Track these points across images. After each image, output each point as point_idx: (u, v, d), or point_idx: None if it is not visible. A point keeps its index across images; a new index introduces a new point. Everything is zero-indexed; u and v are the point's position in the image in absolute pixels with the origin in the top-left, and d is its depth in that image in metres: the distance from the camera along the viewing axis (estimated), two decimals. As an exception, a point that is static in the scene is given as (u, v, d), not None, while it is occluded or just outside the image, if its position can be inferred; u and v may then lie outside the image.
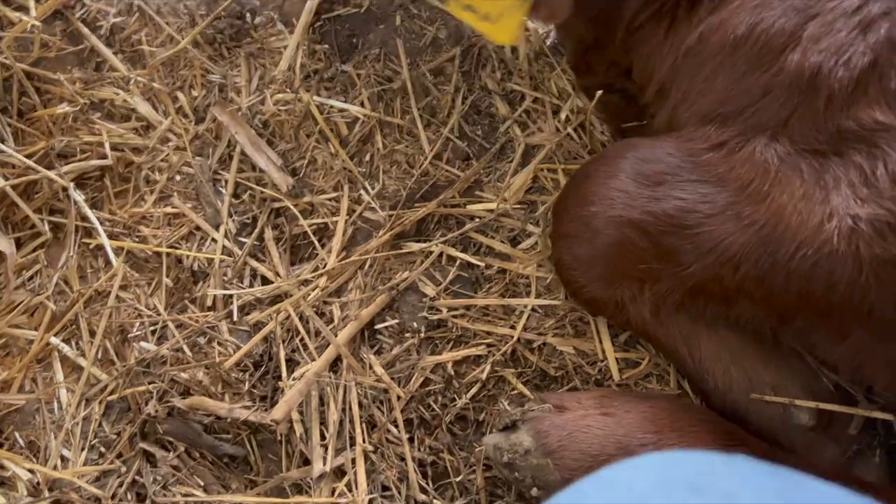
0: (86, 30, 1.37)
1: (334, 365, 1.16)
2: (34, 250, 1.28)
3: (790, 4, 0.90)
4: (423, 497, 1.10)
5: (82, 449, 1.17)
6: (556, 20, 0.99)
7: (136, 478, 1.15)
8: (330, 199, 1.26)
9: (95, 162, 1.29)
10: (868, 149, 0.85)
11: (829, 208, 0.85)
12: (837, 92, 0.87)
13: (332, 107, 1.31)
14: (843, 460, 1.05)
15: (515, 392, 1.15)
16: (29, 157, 1.28)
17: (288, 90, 1.31)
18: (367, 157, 1.29)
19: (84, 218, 1.28)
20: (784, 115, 0.90)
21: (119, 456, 1.16)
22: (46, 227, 1.27)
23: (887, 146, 0.85)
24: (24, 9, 1.38)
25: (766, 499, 0.56)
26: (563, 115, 1.30)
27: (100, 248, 1.26)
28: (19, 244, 1.28)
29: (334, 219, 1.24)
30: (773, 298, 0.93)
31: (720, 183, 0.93)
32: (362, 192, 1.25)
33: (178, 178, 1.30)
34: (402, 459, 1.11)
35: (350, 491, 1.10)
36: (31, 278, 1.27)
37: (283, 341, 1.18)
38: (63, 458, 1.17)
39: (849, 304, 0.87)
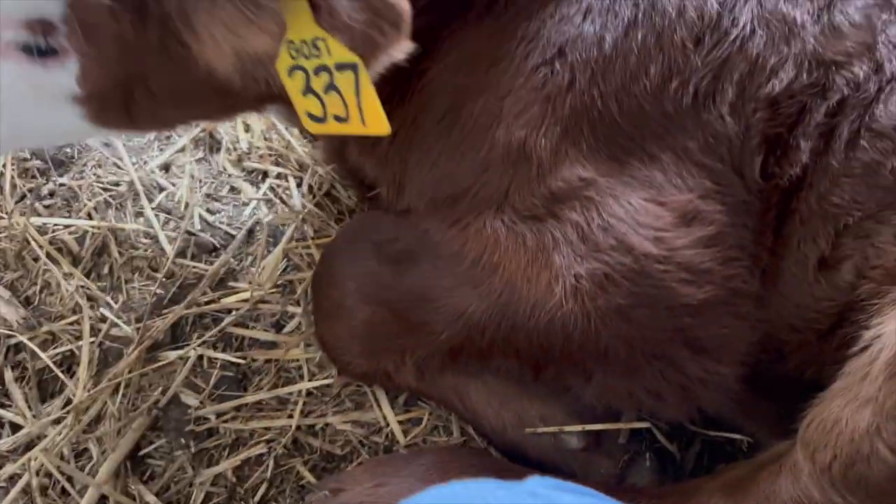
0: None
1: (103, 504, 1.08)
2: None
3: (485, 83, 0.94)
4: None
5: None
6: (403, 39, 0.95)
7: None
8: (71, 324, 1.17)
9: None
10: (581, 203, 0.91)
11: (554, 270, 0.91)
12: (544, 159, 0.92)
13: (55, 225, 1.22)
14: (617, 471, 1.11)
15: (306, 482, 1.12)
16: None
17: (2, 216, 1.21)
18: (105, 270, 1.21)
19: None
20: (504, 187, 0.94)
21: None
22: None
23: (597, 196, 0.90)
24: None
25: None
26: (305, 188, 1.29)
27: None
28: None
29: (78, 344, 1.16)
30: (522, 354, 0.98)
31: (456, 258, 0.97)
32: (104, 309, 1.18)
33: None
34: (197, 585, 1.05)
35: None
36: None
37: (43, 491, 1.08)
38: None
39: (585, 351, 0.93)
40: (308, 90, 0.82)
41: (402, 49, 0.77)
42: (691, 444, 1.18)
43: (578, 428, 1.08)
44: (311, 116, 0.86)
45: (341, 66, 0.79)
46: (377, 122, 0.83)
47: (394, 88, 0.99)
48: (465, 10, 0.97)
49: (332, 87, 0.81)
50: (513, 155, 0.95)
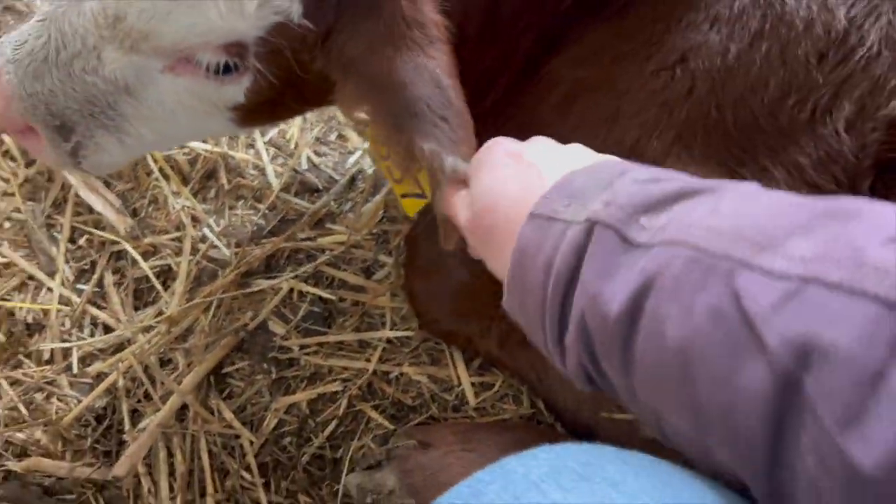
0: None
1: (181, 413, 1.11)
2: None
3: (604, 79, 0.96)
4: (280, 542, 1.07)
5: None
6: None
7: (-30, 551, 1.06)
8: (173, 240, 1.21)
9: (-89, 213, 1.20)
10: None
11: None
12: (656, 161, 0.92)
13: (172, 143, 1.26)
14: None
15: (373, 425, 1.13)
16: None
17: (124, 128, 1.26)
18: (212, 194, 1.25)
19: None
20: None
21: (-51, 529, 1.07)
22: None
23: None
24: None
25: (649, 485, 0.58)
26: (411, 143, 1.30)
27: (-80, 305, 1.17)
28: None
29: (178, 259, 1.20)
30: None
31: None
32: (206, 230, 1.22)
33: (7, 225, 1.22)
34: (257, 505, 1.08)
35: (204, 544, 1.05)
36: None
37: (128, 392, 1.13)
38: None
39: None
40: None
41: None
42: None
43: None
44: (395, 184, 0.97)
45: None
46: (409, 209, 0.98)
47: (518, 76, 1.00)
48: (600, 9, 0.98)
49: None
50: (624, 153, 0.95)
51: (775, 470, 0.49)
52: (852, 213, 0.50)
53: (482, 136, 1.12)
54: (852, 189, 0.90)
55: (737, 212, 0.54)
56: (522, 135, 1.04)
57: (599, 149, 0.95)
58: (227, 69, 0.83)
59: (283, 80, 0.87)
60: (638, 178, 0.62)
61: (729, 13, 0.93)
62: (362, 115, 0.86)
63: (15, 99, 0.84)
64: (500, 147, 0.77)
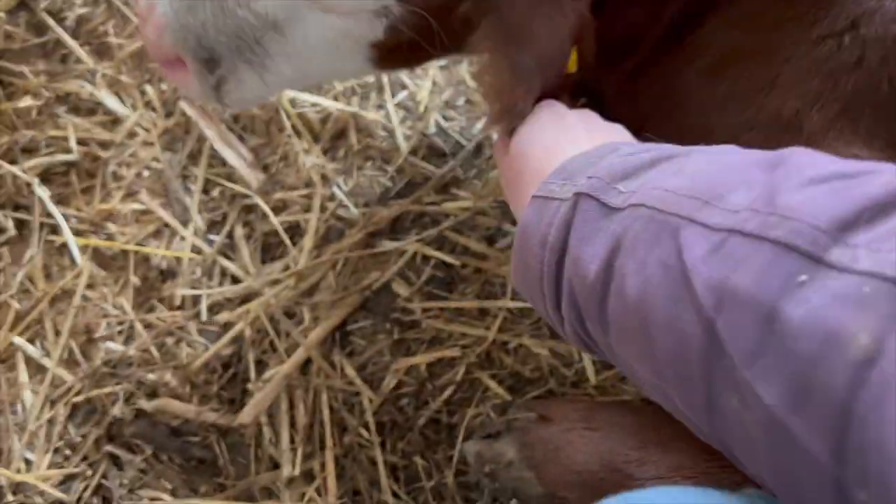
0: (51, 21, 1.33)
1: (305, 367, 1.13)
2: (-3, 247, 1.24)
3: (764, 44, 0.89)
4: (394, 501, 1.07)
5: (46, 452, 1.13)
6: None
7: (102, 481, 1.12)
8: (302, 197, 1.23)
9: (61, 157, 1.25)
10: None
11: None
12: (816, 133, 0.86)
13: (304, 101, 1.27)
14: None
15: (490, 394, 1.13)
16: (-9, 151, 1.25)
17: (260, 84, 1.28)
18: (341, 154, 1.26)
19: (49, 214, 1.24)
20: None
21: (84, 459, 1.13)
22: (10, 224, 1.24)
23: None
24: (-13, -2, 1.34)
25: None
26: (541, 112, 1.27)
27: (65, 245, 1.23)
28: (-18, 241, 1.24)
29: (307, 216, 1.22)
30: None
31: None
32: (335, 188, 1.23)
33: (146, 173, 1.27)
34: (374, 463, 1.09)
35: (320, 495, 1.07)
36: (-7, 276, 1.23)
37: (253, 343, 1.15)
38: (27, 462, 1.14)
39: None
40: None
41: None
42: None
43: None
44: None
45: None
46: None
47: (665, 38, 0.95)
48: None
49: None
50: (782, 123, 0.89)
51: (713, 415, 0.53)
52: (781, 160, 0.56)
53: (619, 98, 1.08)
54: None
55: (696, 171, 0.60)
56: (664, 101, 0.99)
57: (754, 120, 0.90)
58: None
59: (426, 18, 0.86)
60: (623, 152, 0.68)
61: None
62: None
63: (168, 30, 0.86)
64: (550, 105, 0.82)
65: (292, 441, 1.09)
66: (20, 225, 1.24)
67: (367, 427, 1.10)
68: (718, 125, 0.95)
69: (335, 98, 1.28)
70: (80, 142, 1.26)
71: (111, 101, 1.28)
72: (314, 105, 1.27)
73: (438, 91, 1.31)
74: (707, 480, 0.98)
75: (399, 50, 0.94)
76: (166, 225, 1.24)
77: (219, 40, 0.87)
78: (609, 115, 1.11)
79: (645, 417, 1.05)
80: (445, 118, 1.29)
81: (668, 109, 1.01)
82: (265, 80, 0.91)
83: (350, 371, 1.11)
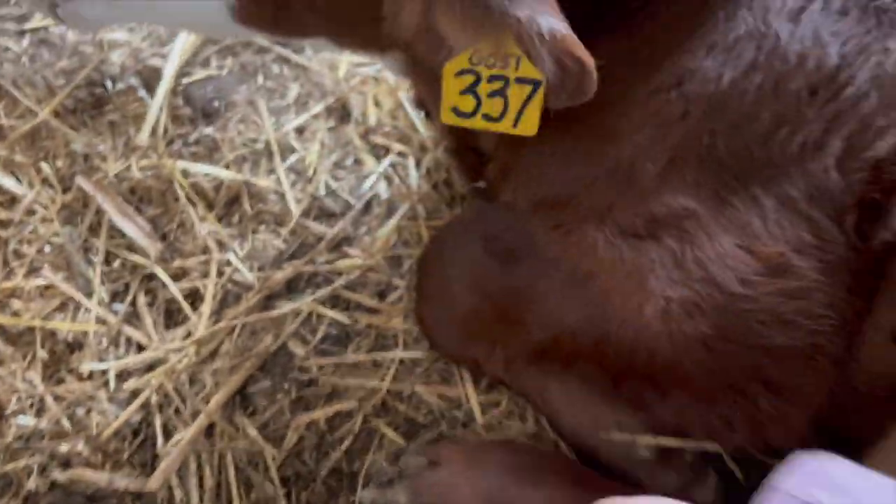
0: (-58, 102, 1.36)
1: (209, 430, 1.20)
2: None
3: (604, 97, 0.98)
4: (301, 550, 1.16)
5: (-36, 528, 1.18)
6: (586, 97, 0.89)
7: (21, 553, 1.17)
8: (200, 263, 1.29)
9: (-40, 239, 1.29)
10: (679, 232, 0.95)
11: (647, 290, 0.95)
12: (650, 182, 0.96)
13: (197, 171, 1.34)
14: (681, 486, 1.16)
15: (387, 441, 1.21)
16: None
17: (153, 156, 1.33)
18: (235, 219, 1.33)
19: (-48, 295, 1.28)
20: (608, 202, 0.99)
21: (2, 533, 1.18)
22: (-87, 307, 1.27)
23: (695, 229, 0.94)
24: None
25: None
26: (423, 170, 1.36)
27: (-30, 325, 1.27)
28: None
29: (205, 282, 1.28)
30: (605, 363, 1.04)
31: (556, 264, 1.02)
32: (231, 254, 1.29)
33: (47, 249, 1.31)
34: (279, 515, 1.17)
35: (231, 550, 1.15)
36: None
37: (160, 408, 1.22)
38: (-54, 539, 1.18)
39: (666, 371, 0.98)
40: (468, 91, 0.87)
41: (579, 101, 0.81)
42: (754, 469, 1.22)
43: (652, 440, 1.13)
44: (457, 112, 0.89)
45: (522, 80, 0.83)
46: (530, 127, 0.89)
47: None
48: (613, 28, 1.00)
49: (500, 93, 0.85)
50: (621, 172, 0.99)
51: None
52: None
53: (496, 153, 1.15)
54: (839, 225, 0.94)
55: None
56: (521, 146, 1.06)
57: (597, 168, 0.99)
58: None
59: None
60: None
61: (725, 42, 0.96)
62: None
63: None
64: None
65: (201, 501, 1.16)
66: (-76, 308, 1.28)
67: (272, 482, 1.18)
68: (567, 176, 1.05)
69: (227, 166, 1.34)
70: (-21, 222, 1.31)
71: (7, 181, 1.32)
72: (207, 175, 1.34)
73: (327, 153, 1.38)
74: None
75: (262, 7, 0.94)
76: (70, 298, 1.29)
77: None
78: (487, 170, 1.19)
79: (522, 456, 1.16)
80: (335, 178, 1.37)
81: (524, 159, 1.10)
82: (112, 3, 0.93)
83: (252, 431, 1.19)
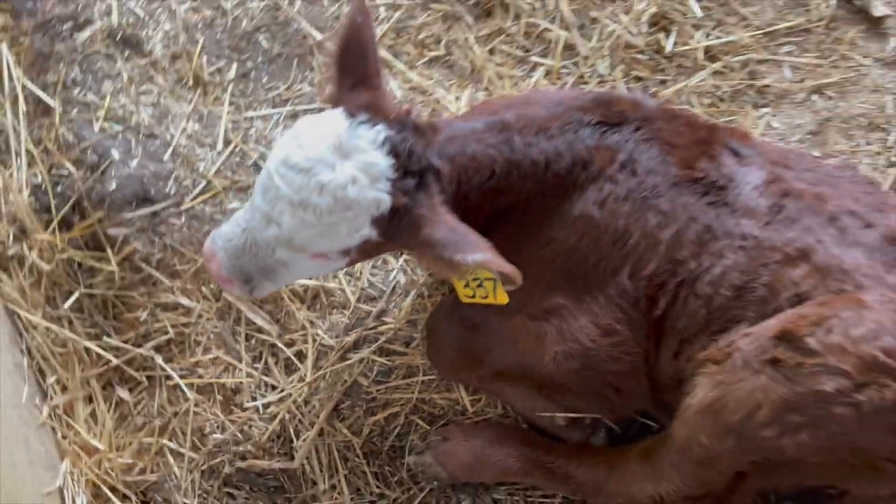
0: (142, 263, 2.29)
1: (321, 431, 2.15)
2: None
3: (514, 249, 1.89)
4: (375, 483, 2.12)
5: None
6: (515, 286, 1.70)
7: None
8: (301, 335, 2.23)
9: (164, 337, 2.24)
10: (559, 315, 1.88)
11: (547, 347, 1.87)
12: (542, 290, 1.88)
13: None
14: (586, 439, 2.09)
15: (419, 428, 2.15)
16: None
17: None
18: (318, 307, 2.26)
19: (163, 369, 2.23)
20: (523, 301, 1.91)
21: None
22: (144, 378, 2.23)
23: (566, 313, 1.88)
24: None
25: None
26: (426, 268, 2.27)
27: (177, 386, 2.22)
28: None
29: (305, 346, 2.22)
30: (532, 381, 1.98)
31: (499, 332, 1.97)
32: (318, 329, 2.23)
33: (212, 336, 2.25)
34: (364, 473, 2.13)
35: (335, 489, 2.11)
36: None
37: (291, 421, 2.17)
38: None
39: (561, 386, 1.94)
40: (467, 286, 1.82)
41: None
42: (632, 425, 2.14)
43: (563, 415, 2.06)
44: (466, 297, 1.88)
45: (489, 279, 1.80)
46: (502, 299, 1.84)
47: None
48: (506, 221, 1.89)
49: (482, 286, 1.80)
50: (528, 287, 1.86)
51: None
52: None
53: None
54: (636, 307, 1.85)
55: None
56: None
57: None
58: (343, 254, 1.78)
59: (370, 252, 1.83)
60: None
61: (571, 216, 1.84)
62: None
63: (224, 268, 1.78)
64: None
65: (321, 471, 2.12)
66: (149, 380, 2.23)
67: (357, 457, 2.14)
68: (507, 311, 1.96)
69: (309, 277, 2.27)
70: (172, 325, 2.25)
71: (185, 300, 2.26)
72: (298, 282, 2.27)
73: (367, 261, 2.30)
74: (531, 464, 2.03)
75: (358, 261, 1.92)
76: (230, 364, 2.23)
77: (252, 271, 1.80)
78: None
79: (495, 429, 2.11)
80: (372, 274, 2.29)
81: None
82: (277, 285, 1.88)
83: (344, 430, 2.15)
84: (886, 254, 1.76)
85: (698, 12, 2.47)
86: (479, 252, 1.64)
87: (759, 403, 1.68)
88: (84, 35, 2.45)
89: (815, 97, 2.42)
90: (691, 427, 1.80)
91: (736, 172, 1.81)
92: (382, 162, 1.63)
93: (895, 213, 1.83)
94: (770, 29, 2.47)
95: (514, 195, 1.86)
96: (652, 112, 1.88)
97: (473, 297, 1.85)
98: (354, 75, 1.75)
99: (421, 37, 2.55)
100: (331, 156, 1.63)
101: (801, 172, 1.85)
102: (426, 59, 2.53)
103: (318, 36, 2.51)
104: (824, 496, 2.09)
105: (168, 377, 2.24)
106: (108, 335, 2.24)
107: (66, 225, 2.26)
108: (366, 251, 1.78)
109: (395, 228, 1.71)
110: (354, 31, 1.74)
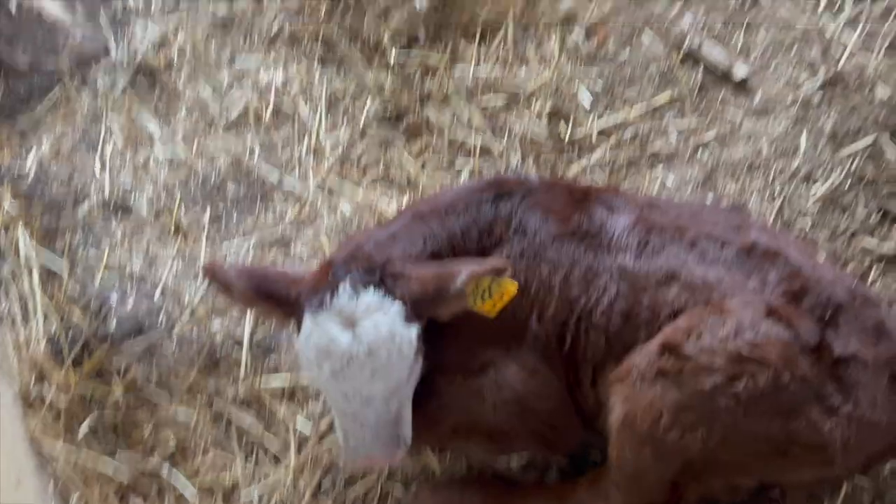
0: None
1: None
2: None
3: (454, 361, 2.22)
4: None
5: None
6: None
7: None
8: (283, 428, 2.53)
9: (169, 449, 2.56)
10: (496, 367, 2.18)
11: (484, 398, 2.16)
12: (481, 345, 2.19)
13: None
14: (539, 477, 2.33)
15: (392, 492, 2.41)
16: (134, 455, 2.55)
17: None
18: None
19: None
20: (462, 363, 2.23)
21: None
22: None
23: (501, 364, 2.18)
24: None
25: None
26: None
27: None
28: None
29: (287, 436, 2.51)
30: (482, 433, 2.25)
31: (452, 398, 2.24)
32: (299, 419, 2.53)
33: (209, 438, 2.56)
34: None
35: None
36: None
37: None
38: None
39: (503, 433, 2.22)
40: (482, 302, 2.05)
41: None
42: (586, 457, 2.37)
43: (516, 460, 2.32)
44: (491, 311, 2.09)
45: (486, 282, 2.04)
46: (512, 287, 2.04)
47: None
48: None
49: (486, 292, 2.03)
50: (465, 345, 2.18)
51: None
52: None
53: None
54: (548, 347, 2.15)
55: None
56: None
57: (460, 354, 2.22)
58: None
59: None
60: None
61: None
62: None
63: (387, 455, 2.03)
64: None
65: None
66: (159, 489, 2.53)
67: None
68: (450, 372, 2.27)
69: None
70: (175, 435, 2.57)
71: (182, 413, 2.59)
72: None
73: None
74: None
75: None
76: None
77: (391, 434, 2.01)
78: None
79: (458, 483, 2.36)
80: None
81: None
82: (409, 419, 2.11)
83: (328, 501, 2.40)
84: (744, 264, 2.07)
85: (587, 103, 2.92)
86: (460, 275, 1.95)
87: (659, 410, 1.95)
88: (83, 208, 2.95)
89: (699, 152, 2.79)
90: (617, 443, 2.05)
91: (607, 220, 2.15)
92: (379, 300, 1.93)
93: (751, 230, 2.15)
94: (651, 104, 2.89)
95: None
96: (534, 185, 2.26)
97: (496, 306, 2.03)
98: (281, 290, 2.01)
99: (362, 163, 3.01)
100: (342, 330, 1.91)
101: (665, 211, 2.20)
102: (369, 178, 2.98)
103: (277, 176, 2.99)
104: (767, 500, 2.29)
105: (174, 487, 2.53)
106: (121, 450, 2.55)
107: (76, 362, 2.64)
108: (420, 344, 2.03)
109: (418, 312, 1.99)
110: (244, 280, 2.00)
